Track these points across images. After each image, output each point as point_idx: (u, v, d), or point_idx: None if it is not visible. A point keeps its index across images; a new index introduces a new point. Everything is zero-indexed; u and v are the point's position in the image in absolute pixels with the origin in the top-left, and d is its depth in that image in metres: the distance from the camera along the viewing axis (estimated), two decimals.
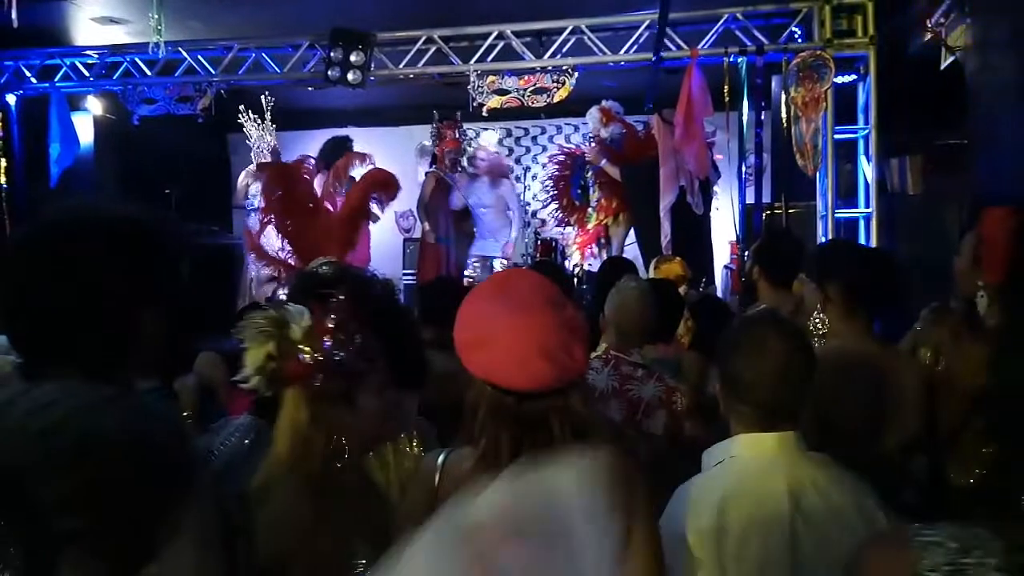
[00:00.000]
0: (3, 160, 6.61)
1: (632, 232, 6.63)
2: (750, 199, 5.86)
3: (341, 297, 1.35)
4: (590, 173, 6.67)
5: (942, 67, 5.33)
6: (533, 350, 1.18)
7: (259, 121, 6.87)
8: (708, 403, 2.18)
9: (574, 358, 1.20)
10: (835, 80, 5.38)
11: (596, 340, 2.70)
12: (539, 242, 8.08)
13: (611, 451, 1.10)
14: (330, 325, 1.29)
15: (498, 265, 6.88)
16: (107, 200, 1.08)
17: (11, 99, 6.78)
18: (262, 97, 6.78)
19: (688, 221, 5.65)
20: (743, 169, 5.82)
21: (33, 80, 6.72)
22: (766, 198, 6.19)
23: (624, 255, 6.50)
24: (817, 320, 2.30)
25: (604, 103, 6.50)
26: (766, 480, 1.58)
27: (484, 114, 6.13)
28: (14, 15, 4.41)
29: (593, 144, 6.50)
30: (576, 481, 0.80)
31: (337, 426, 1.28)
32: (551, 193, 7.40)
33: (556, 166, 7.38)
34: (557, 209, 7.35)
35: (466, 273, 6.83)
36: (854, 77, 5.68)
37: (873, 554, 1.00)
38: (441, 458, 1.37)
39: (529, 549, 0.75)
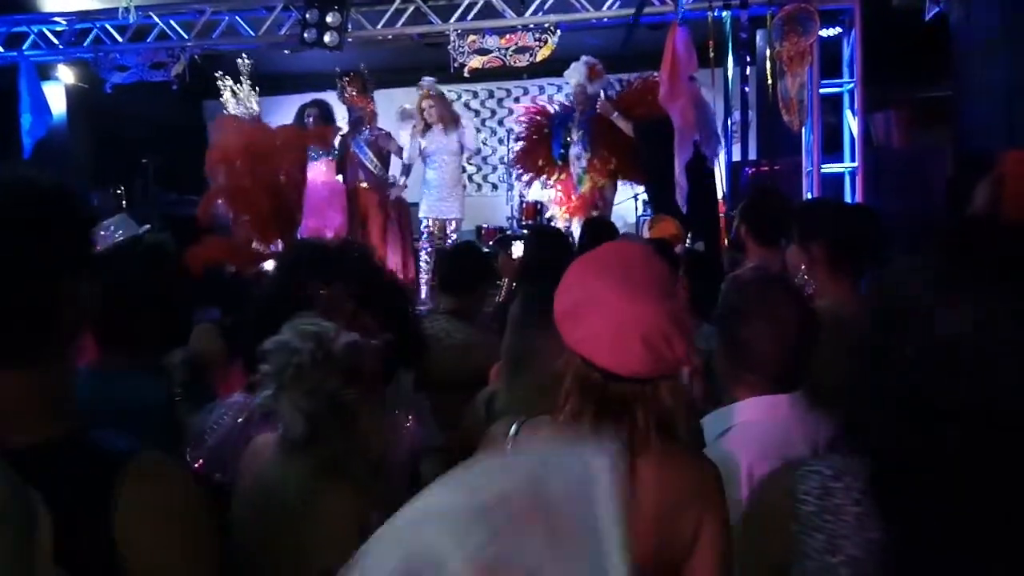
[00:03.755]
0: None
1: (618, 192, 6.61)
2: (736, 156, 5.83)
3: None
4: (580, 132, 6.31)
5: (926, 18, 5.29)
6: (636, 338, 1.14)
7: (238, 87, 6.72)
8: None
9: (674, 352, 1.16)
10: (820, 33, 5.32)
11: None
12: (524, 205, 8.02)
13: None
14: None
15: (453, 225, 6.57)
16: (15, 167, 1.02)
17: None
18: (238, 61, 6.62)
19: (699, 178, 5.59)
20: (729, 125, 5.78)
21: (1, 49, 6.53)
22: (752, 154, 6.16)
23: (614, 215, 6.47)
24: (802, 281, 2.28)
25: (585, 59, 6.35)
26: (786, 443, 1.55)
27: (466, 75, 6.03)
28: None
29: (601, 99, 6.18)
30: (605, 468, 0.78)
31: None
32: (515, 153, 7.07)
33: (525, 124, 6.99)
34: (523, 171, 7.03)
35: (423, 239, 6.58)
36: (839, 30, 5.63)
37: (766, 480, 1.11)
38: (515, 427, 1.32)
39: (552, 526, 0.74)
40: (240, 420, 1.68)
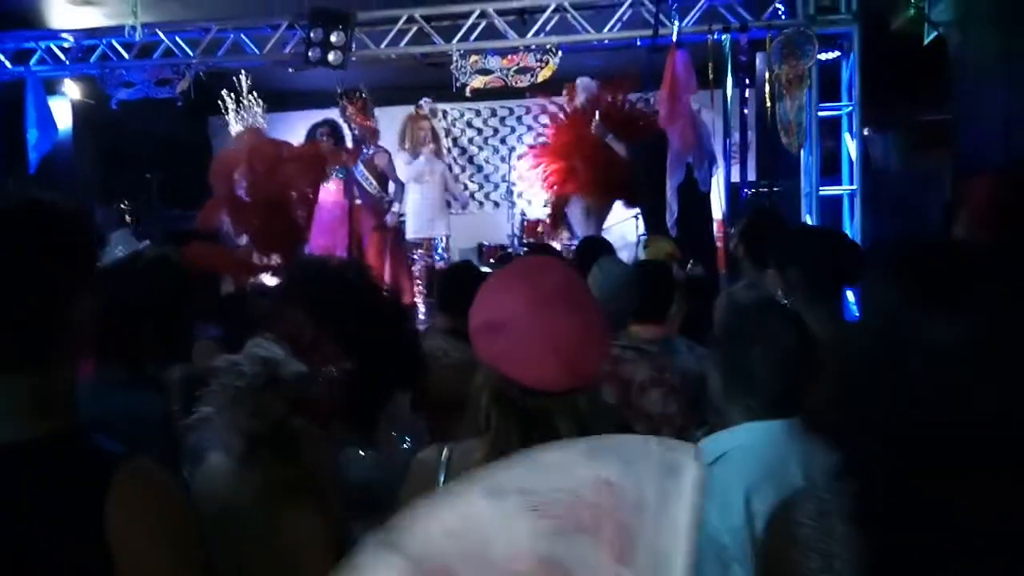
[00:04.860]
0: None
1: (617, 211, 6.63)
2: (735, 177, 5.86)
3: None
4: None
5: (925, 42, 5.33)
6: (548, 351, 1.13)
7: (241, 103, 6.78)
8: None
9: (589, 363, 1.16)
10: (819, 57, 5.37)
11: None
12: (525, 223, 8.06)
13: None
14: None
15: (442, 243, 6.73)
16: (21, 187, 1.07)
17: None
18: (236, 78, 6.68)
19: (693, 199, 5.62)
20: (728, 147, 5.81)
21: (8, 64, 6.59)
22: (751, 176, 6.19)
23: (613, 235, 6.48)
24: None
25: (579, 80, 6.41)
26: (783, 469, 1.56)
27: (467, 94, 6.08)
28: None
29: (595, 120, 6.18)
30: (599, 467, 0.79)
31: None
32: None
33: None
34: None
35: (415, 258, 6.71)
36: (837, 54, 5.68)
37: (775, 511, 1.11)
38: (445, 452, 1.31)
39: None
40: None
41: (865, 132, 5.91)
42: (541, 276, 1.21)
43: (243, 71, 6.64)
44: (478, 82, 5.95)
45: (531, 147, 7.04)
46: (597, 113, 6.18)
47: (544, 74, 5.85)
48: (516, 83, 5.92)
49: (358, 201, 6.53)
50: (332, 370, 1.47)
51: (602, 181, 6.22)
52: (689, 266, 5.10)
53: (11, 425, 0.99)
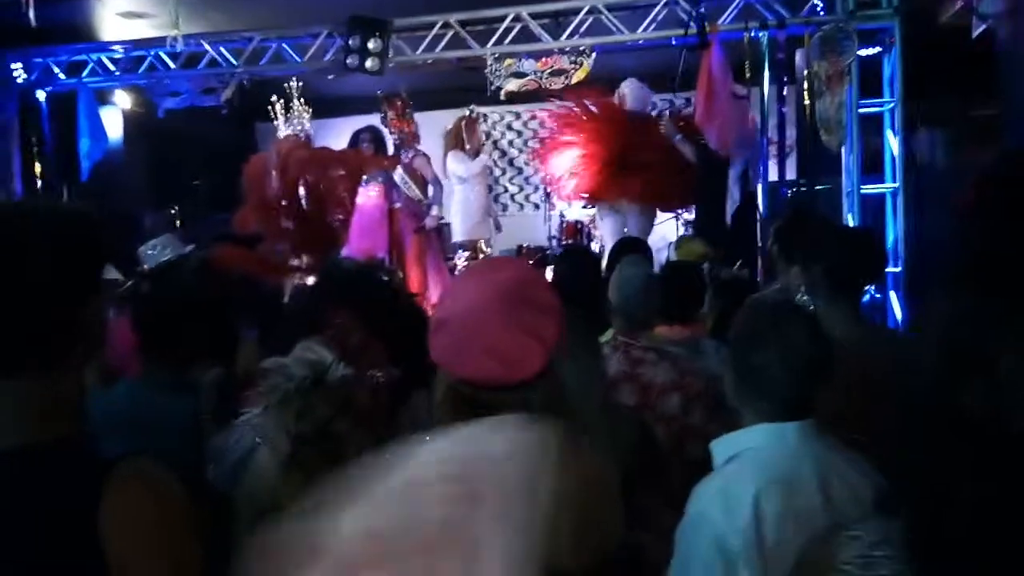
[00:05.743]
0: (37, 155, 6.78)
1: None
2: (773, 176, 5.78)
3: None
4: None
5: (973, 35, 5.19)
6: (480, 348, 1.16)
7: (290, 109, 6.91)
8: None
9: (525, 361, 1.17)
10: (859, 53, 5.26)
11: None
12: (564, 225, 8.05)
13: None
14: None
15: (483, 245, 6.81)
16: (35, 198, 1.09)
17: (41, 95, 6.91)
18: (287, 84, 6.81)
19: (745, 200, 5.55)
20: (765, 145, 5.74)
21: (61, 76, 6.83)
22: (790, 175, 6.09)
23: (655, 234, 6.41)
24: (802, 303, 2.28)
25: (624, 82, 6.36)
26: (795, 472, 1.56)
27: (502, 97, 6.11)
28: (31, 15, 4.47)
29: (664, 120, 6.03)
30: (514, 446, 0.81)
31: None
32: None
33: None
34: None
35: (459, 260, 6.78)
36: (878, 49, 5.55)
37: (810, 549, 1.05)
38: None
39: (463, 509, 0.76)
40: (257, 439, 1.74)
41: (919, 129, 5.78)
42: (486, 278, 1.24)
43: (294, 78, 6.78)
44: (513, 85, 5.97)
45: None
46: (668, 113, 6.12)
47: (578, 76, 5.84)
48: (550, 85, 5.93)
49: (398, 205, 6.62)
50: (378, 374, 1.50)
51: (667, 189, 6.01)
52: (736, 267, 5.06)
53: (14, 430, 1.00)
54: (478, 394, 1.19)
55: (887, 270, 5.07)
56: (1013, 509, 0.81)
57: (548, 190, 7.64)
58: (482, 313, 1.17)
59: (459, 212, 6.82)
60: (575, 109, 6.11)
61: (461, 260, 6.74)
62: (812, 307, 2.26)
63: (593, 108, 6.06)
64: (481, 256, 6.62)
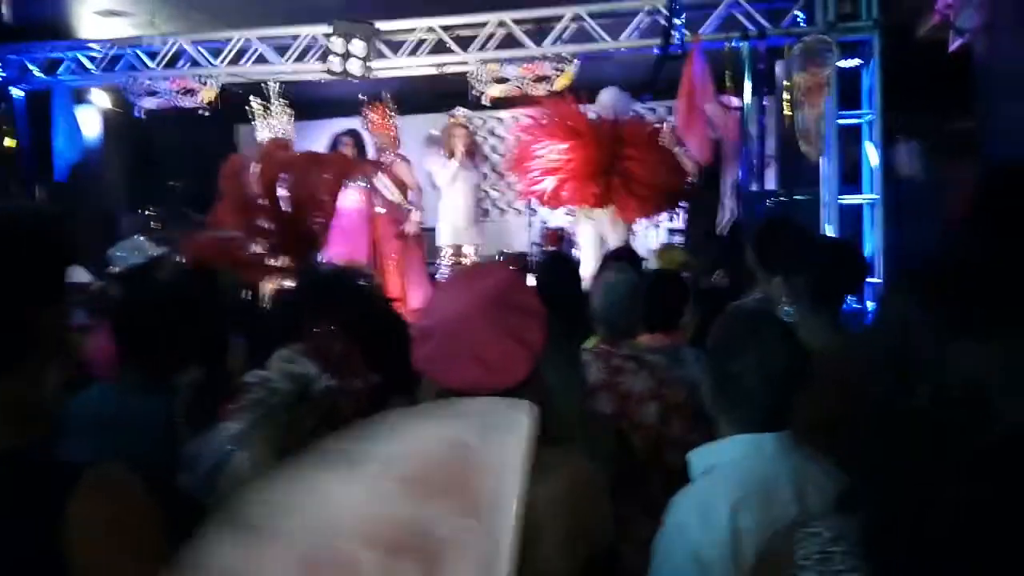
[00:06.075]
0: (12, 153, 6.67)
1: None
2: (754, 186, 5.82)
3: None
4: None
5: (950, 49, 5.25)
6: (462, 353, 1.15)
7: (268, 111, 6.85)
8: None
9: (511, 366, 1.16)
10: (839, 64, 5.31)
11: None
12: (546, 232, 8.06)
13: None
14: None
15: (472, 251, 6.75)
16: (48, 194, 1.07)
17: (16, 93, 6.81)
18: (264, 84, 6.75)
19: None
20: (746, 156, 5.77)
21: (38, 74, 6.74)
22: (769, 185, 6.13)
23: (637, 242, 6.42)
24: (783, 312, 2.29)
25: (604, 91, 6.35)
26: (772, 483, 1.55)
27: (484, 103, 6.10)
28: (6, 11, 4.40)
29: (666, 129, 6.03)
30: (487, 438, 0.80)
31: None
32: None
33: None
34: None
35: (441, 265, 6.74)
36: (858, 62, 5.61)
37: (769, 544, 1.06)
38: None
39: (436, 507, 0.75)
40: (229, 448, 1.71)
41: (897, 140, 5.84)
42: (470, 284, 1.23)
43: (272, 79, 6.72)
44: (495, 91, 5.97)
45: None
46: (666, 123, 6.10)
47: (561, 82, 5.84)
48: (533, 91, 5.93)
49: (379, 209, 6.58)
50: (359, 383, 1.49)
51: (646, 198, 5.87)
52: (716, 276, 5.08)
53: None
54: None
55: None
56: (951, 513, 0.82)
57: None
58: (467, 320, 1.16)
59: (444, 217, 6.77)
60: (549, 118, 6.00)
61: (443, 265, 6.69)
62: (794, 317, 2.27)
63: (567, 117, 5.94)
64: (464, 261, 6.57)
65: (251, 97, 6.72)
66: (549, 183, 5.83)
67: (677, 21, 5.26)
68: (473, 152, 6.80)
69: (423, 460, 0.78)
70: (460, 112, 6.76)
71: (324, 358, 1.51)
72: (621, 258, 4.18)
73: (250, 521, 0.78)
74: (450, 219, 6.72)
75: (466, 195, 6.71)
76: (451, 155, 6.67)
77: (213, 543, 0.78)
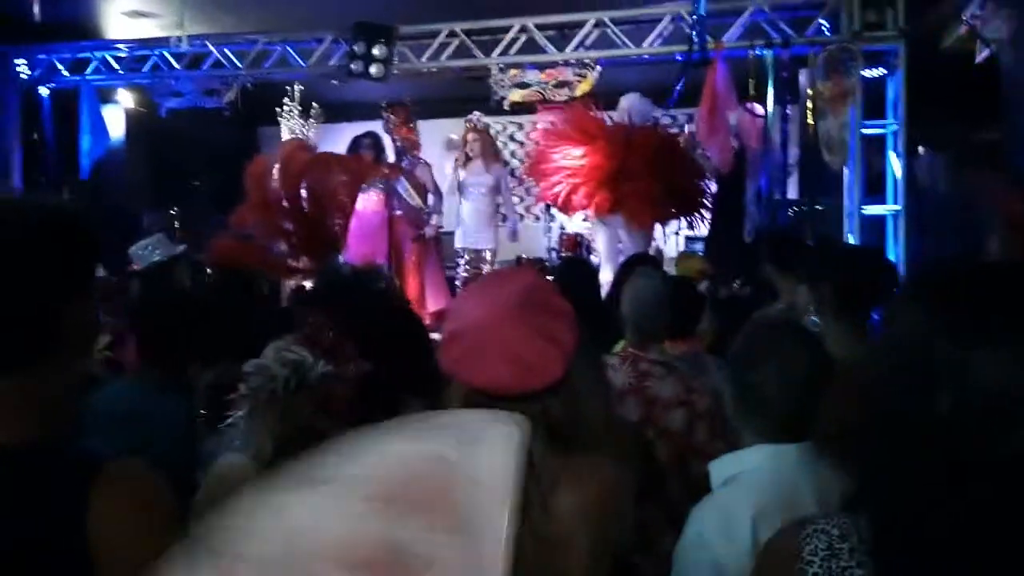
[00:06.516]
0: (39, 152, 6.76)
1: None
2: (776, 195, 5.78)
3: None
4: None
5: (977, 60, 5.20)
6: (499, 356, 1.14)
7: (293, 114, 6.90)
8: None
9: (545, 366, 1.15)
10: (863, 74, 5.27)
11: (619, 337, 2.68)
12: (563, 237, 8.04)
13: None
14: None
15: (488, 256, 6.69)
16: (23, 192, 1.06)
17: (44, 92, 6.90)
18: (288, 88, 6.80)
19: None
20: (769, 164, 5.74)
21: (65, 73, 6.83)
22: (792, 194, 6.09)
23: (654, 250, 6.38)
24: (810, 321, 2.26)
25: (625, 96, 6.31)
26: (794, 494, 1.53)
27: (505, 107, 6.10)
28: (36, 11, 4.46)
29: (686, 134, 6.05)
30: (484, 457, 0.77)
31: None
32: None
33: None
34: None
35: (459, 268, 6.70)
36: (883, 71, 5.56)
37: (775, 540, 1.05)
38: None
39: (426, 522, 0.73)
40: (237, 442, 1.72)
41: (920, 151, 5.78)
42: (499, 286, 1.23)
43: (296, 82, 6.77)
44: (516, 96, 5.97)
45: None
46: (686, 128, 6.07)
47: (582, 88, 5.84)
48: (554, 97, 5.92)
49: (398, 212, 6.60)
50: (351, 369, 1.49)
51: (664, 204, 5.80)
52: (737, 285, 5.04)
53: None
54: (495, 405, 1.14)
55: None
56: (992, 516, 0.82)
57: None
58: (498, 320, 1.16)
59: (461, 220, 6.76)
60: (565, 123, 5.94)
61: (461, 269, 6.69)
62: (820, 326, 2.24)
63: (582, 122, 5.85)
64: (483, 267, 6.55)
65: (284, 100, 6.78)
66: (564, 188, 5.79)
67: (700, 28, 5.23)
68: (491, 157, 6.77)
69: (398, 476, 0.75)
70: (476, 116, 6.76)
71: (317, 346, 1.52)
72: (645, 263, 4.17)
73: (217, 547, 0.76)
74: (468, 223, 6.72)
75: (480, 200, 6.67)
76: (467, 159, 6.66)
77: (180, 571, 0.77)
